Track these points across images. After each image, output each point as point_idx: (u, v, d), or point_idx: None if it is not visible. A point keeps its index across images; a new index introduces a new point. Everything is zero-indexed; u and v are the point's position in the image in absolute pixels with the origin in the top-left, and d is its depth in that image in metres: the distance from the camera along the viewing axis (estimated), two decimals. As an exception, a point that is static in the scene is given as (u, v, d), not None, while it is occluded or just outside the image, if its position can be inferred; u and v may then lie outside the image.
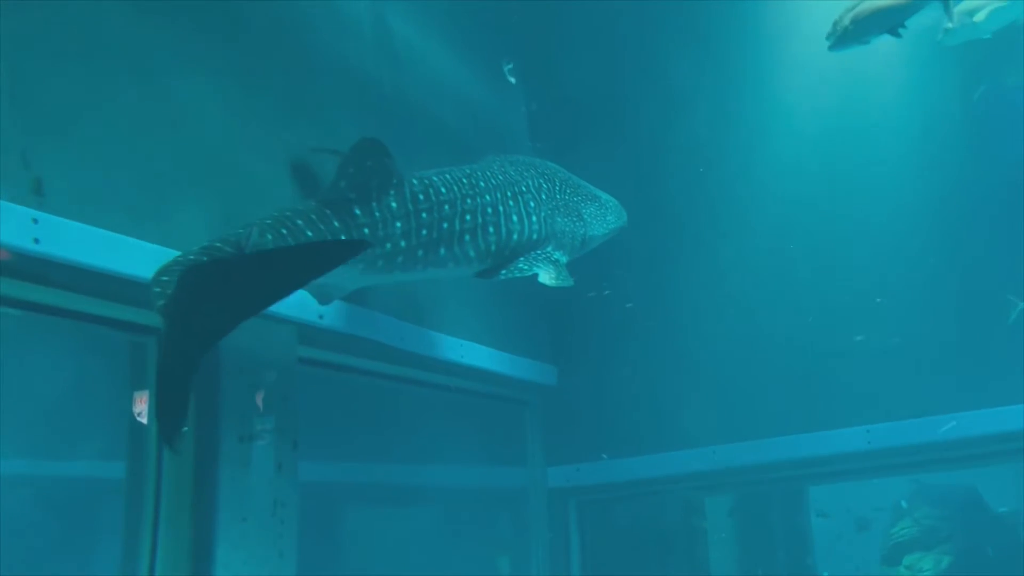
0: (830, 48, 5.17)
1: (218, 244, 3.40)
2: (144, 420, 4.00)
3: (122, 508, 4.00)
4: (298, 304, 4.38)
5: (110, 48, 3.78)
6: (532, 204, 4.47)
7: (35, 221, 3.30)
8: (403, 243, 4.00)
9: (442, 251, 4.14)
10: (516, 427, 6.83)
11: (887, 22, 4.84)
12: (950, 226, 5.73)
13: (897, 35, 4.90)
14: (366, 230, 3.89)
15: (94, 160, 3.64)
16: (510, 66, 5.58)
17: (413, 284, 4.87)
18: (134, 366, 4.14)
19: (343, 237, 3.79)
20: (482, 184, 4.32)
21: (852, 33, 5.00)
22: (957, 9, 4.94)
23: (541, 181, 4.66)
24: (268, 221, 3.60)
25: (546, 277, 4.36)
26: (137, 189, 3.81)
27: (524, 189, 4.48)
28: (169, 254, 3.77)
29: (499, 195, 4.34)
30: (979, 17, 4.88)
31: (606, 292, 5.78)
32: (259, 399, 4.12)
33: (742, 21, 6.40)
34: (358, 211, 3.89)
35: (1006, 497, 9.34)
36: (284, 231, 3.62)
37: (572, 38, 7.04)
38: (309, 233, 3.70)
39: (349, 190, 3.88)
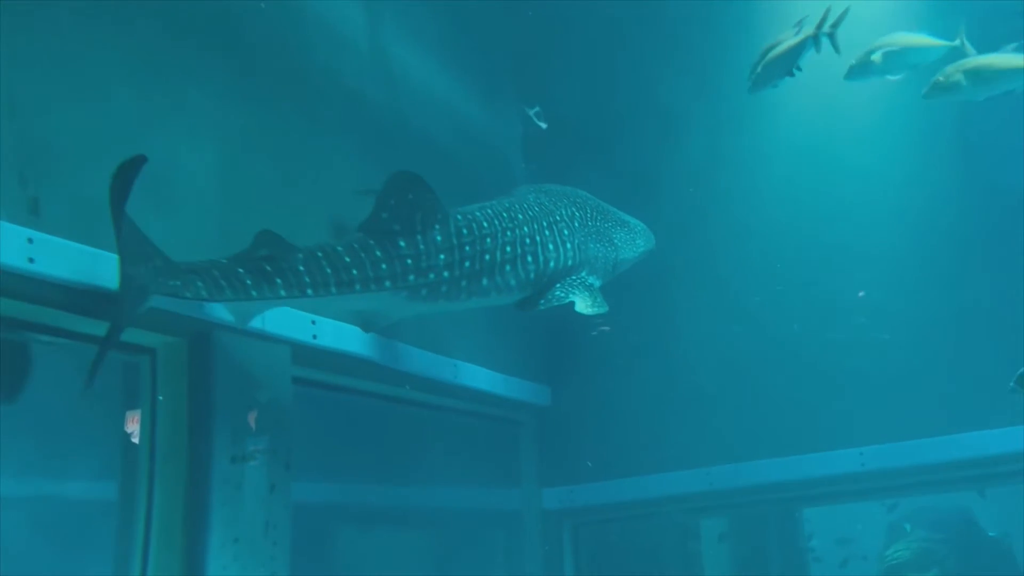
0: (749, 91, 5.51)
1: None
2: (136, 440, 4.00)
3: (113, 528, 3.99)
4: (292, 323, 4.40)
5: (108, 69, 3.81)
6: (566, 232, 4.68)
7: (30, 241, 3.31)
8: (446, 274, 4.16)
9: (484, 281, 4.33)
10: (510, 448, 6.82)
11: (784, 67, 5.19)
12: (943, 250, 5.76)
13: (792, 75, 5.25)
14: (409, 260, 4.02)
15: (91, 180, 3.65)
16: (536, 109, 5.67)
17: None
18: (127, 386, 4.15)
19: (384, 267, 3.94)
20: (520, 216, 4.52)
21: (762, 77, 5.35)
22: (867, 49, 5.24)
23: (574, 210, 4.84)
24: (309, 246, 3.78)
25: (582, 305, 4.52)
26: (134, 210, 3.82)
27: (558, 218, 4.69)
28: (164, 274, 3.79)
29: (536, 226, 4.55)
30: (875, 58, 5.09)
31: (605, 328, 5.94)
32: (252, 419, 4.11)
33: (736, 45, 6.45)
34: (402, 243, 4.04)
35: (1012, 519, 9.34)
36: (320, 254, 3.78)
37: (567, 60, 7.10)
38: (347, 260, 3.84)
39: (392, 222, 4.02)
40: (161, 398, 4.02)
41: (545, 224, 4.59)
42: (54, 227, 3.43)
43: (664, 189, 6.45)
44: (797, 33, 5.22)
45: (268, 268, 3.57)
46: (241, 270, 3.53)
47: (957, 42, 5.05)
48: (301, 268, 3.68)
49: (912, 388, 5.60)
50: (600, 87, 6.95)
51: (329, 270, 3.77)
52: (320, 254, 3.78)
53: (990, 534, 8.26)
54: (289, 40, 4.91)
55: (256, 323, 4.20)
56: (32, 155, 3.41)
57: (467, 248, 4.24)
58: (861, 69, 5.23)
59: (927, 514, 8.43)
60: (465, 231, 4.26)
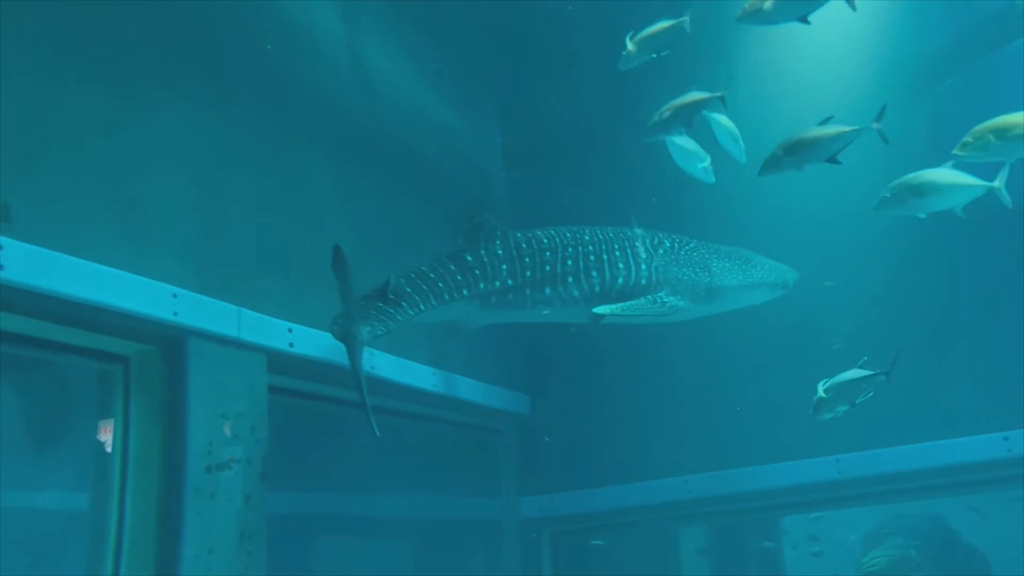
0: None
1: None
2: (109, 449, 3.94)
3: (85, 540, 3.93)
4: (268, 331, 4.37)
5: (83, 76, 3.78)
6: (643, 255, 5.04)
7: (0, 247, 3.27)
8: (510, 282, 4.85)
9: (547, 290, 4.90)
10: (489, 457, 6.80)
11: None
12: (918, 258, 5.81)
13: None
14: (477, 271, 4.82)
15: (65, 187, 3.63)
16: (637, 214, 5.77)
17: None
18: (100, 395, 4.09)
19: (459, 279, 4.77)
20: (587, 237, 5.04)
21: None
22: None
23: (663, 239, 5.18)
24: (405, 271, 4.67)
25: (604, 308, 4.85)
26: (108, 217, 3.79)
27: (638, 245, 5.08)
28: (139, 282, 3.77)
29: (604, 246, 5.01)
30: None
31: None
32: (227, 428, 4.07)
33: (713, 56, 6.49)
34: (469, 257, 4.88)
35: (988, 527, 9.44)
36: (412, 275, 4.68)
37: (545, 70, 7.12)
38: (432, 276, 4.72)
39: (464, 243, 4.91)
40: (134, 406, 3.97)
41: (616, 246, 5.01)
42: (25, 234, 3.39)
43: (642, 197, 6.45)
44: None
45: (393, 297, 4.51)
46: (381, 304, 4.49)
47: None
48: (409, 290, 4.60)
49: (889, 396, 5.63)
50: (579, 97, 6.98)
51: (425, 287, 4.65)
52: (413, 275, 4.66)
53: (965, 540, 8.32)
54: (266, 52, 4.90)
55: (231, 331, 4.18)
56: (4, 160, 3.37)
57: (527, 259, 4.89)
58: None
59: (903, 521, 8.48)
60: (524, 245, 4.95)
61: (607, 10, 6.30)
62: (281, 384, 4.66)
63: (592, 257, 4.95)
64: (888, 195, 4.63)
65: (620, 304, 4.86)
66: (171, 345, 4.01)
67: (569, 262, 4.92)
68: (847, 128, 4.42)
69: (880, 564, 7.82)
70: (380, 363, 5.14)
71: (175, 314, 3.90)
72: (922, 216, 4.68)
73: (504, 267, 4.86)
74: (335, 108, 5.43)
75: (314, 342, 4.64)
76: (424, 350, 5.62)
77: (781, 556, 8.47)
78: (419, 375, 5.54)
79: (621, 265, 4.96)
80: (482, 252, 4.89)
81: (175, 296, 3.92)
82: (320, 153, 5.18)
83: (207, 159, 4.35)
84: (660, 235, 5.21)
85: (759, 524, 8.04)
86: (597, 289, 4.92)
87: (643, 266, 4.99)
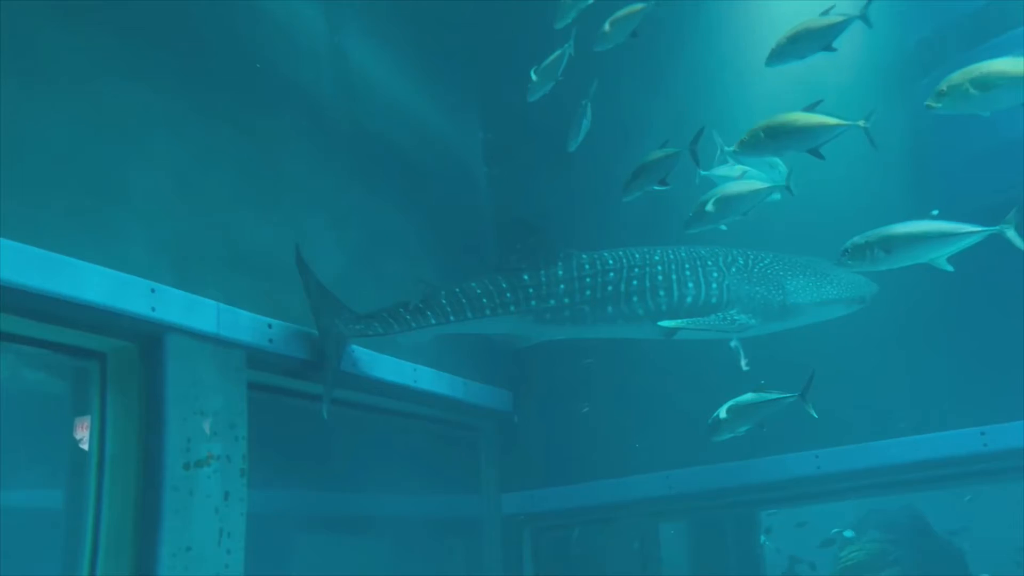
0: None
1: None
2: (85, 446, 3.89)
3: (61, 538, 3.89)
4: (247, 327, 4.33)
5: (62, 73, 3.73)
6: (715, 274, 5.03)
7: (-26, 243, 3.22)
8: (567, 300, 4.99)
9: (609, 308, 4.98)
10: (470, 453, 6.79)
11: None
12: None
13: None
14: (531, 290, 5.01)
15: (42, 183, 3.58)
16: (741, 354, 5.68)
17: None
18: (77, 391, 4.04)
19: (508, 295, 4.97)
20: (656, 258, 5.06)
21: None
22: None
23: (737, 257, 5.15)
24: (451, 286, 4.90)
25: (671, 322, 4.91)
26: (86, 212, 3.74)
27: (710, 264, 5.07)
28: (117, 277, 3.72)
29: (674, 266, 5.02)
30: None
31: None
32: (206, 425, 4.04)
33: (693, 56, 6.51)
34: (526, 276, 5.05)
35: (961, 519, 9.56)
36: (457, 290, 4.91)
37: (526, 67, 7.10)
38: (478, 291, 4.93)
39: (519, 262, 5.06)
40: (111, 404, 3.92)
41: (687, 266, 5.02)
42: (2, 229, 3.34)
43: (618, 196, 6.46)
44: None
45: (421, 305, 4.80)
46: (401, 310, 4.78)
47: None
48: (443, 302, 4.85)
49: (867, 391, 5.68)
50: (560, 95, 6.96)
51: (464, 300, 4.88)
52: (458, 290, 4.90)
53: (941, 533, 8.42)
54: (247, 48, 4.86)
55: (210, 326, 4.14)
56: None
57: (587, 279, 5.00)
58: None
59: (879, 516, 8.57)
60: (587, 266, 5.05)
61: (590, 8, 6.30)
62: (261, 380, 4.63)
63: (660, 277, 4.97)
64: (691, 215, 4.81)
65: (688, 319, 4.86)
66: (149, 341, 3.97)
67: (635, 282, 4.96)
68: (671, 151, 4.73)
69: (857, 558, 7.91)
70: (361, 359, 5.12)
71: (153, 309, 3.86)
72: (724, 228, 4.88)
73: (562, 286, 5.00)
74: (315, 104, 5.39)
75: (293, 339, 4.61)
76: (405, 347, 5.60)
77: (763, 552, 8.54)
78: (400, 371, 5.52)
79: (691, 284, 4.96)
80: (541, 272, 5.02)
81: (153, 291, 3.88)
82: (300, 148, 5.15)
83: (186, 154, 4.31)
84: (734, 252, 5.16)
85: (740, 519, 8.08)
86: (664, 308, 4.94)
87: (714, 285, 4.98)
